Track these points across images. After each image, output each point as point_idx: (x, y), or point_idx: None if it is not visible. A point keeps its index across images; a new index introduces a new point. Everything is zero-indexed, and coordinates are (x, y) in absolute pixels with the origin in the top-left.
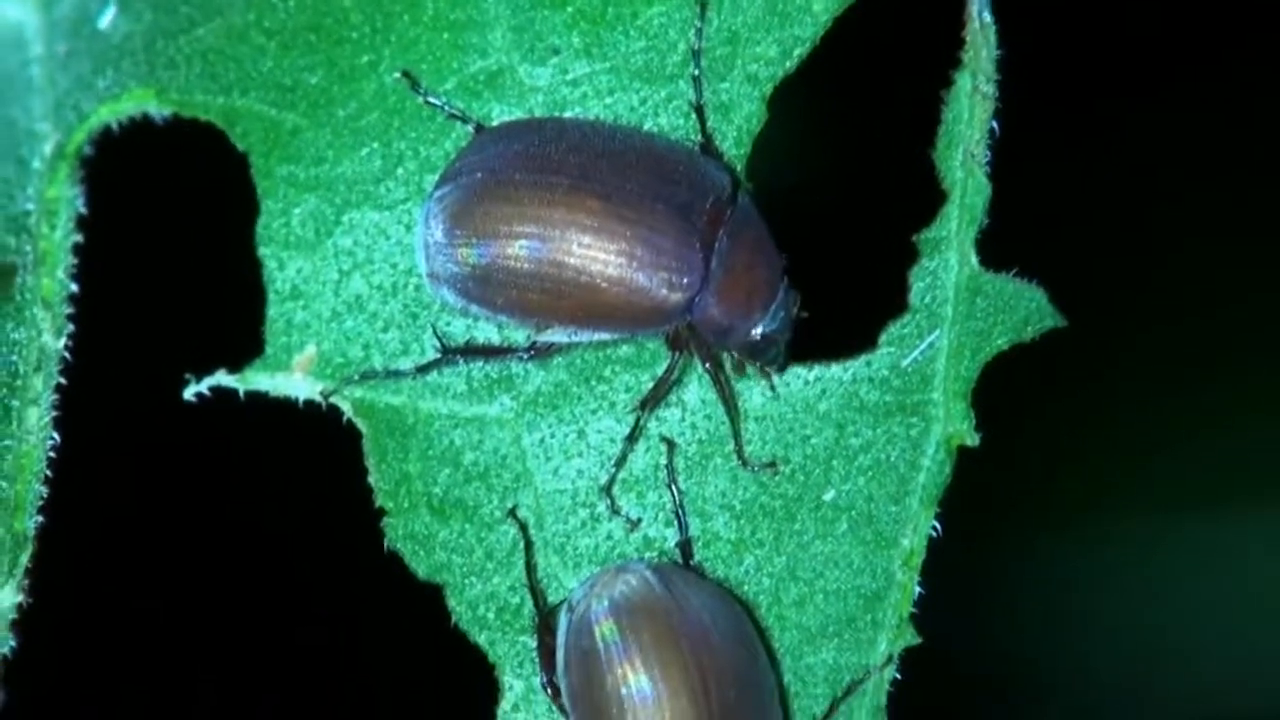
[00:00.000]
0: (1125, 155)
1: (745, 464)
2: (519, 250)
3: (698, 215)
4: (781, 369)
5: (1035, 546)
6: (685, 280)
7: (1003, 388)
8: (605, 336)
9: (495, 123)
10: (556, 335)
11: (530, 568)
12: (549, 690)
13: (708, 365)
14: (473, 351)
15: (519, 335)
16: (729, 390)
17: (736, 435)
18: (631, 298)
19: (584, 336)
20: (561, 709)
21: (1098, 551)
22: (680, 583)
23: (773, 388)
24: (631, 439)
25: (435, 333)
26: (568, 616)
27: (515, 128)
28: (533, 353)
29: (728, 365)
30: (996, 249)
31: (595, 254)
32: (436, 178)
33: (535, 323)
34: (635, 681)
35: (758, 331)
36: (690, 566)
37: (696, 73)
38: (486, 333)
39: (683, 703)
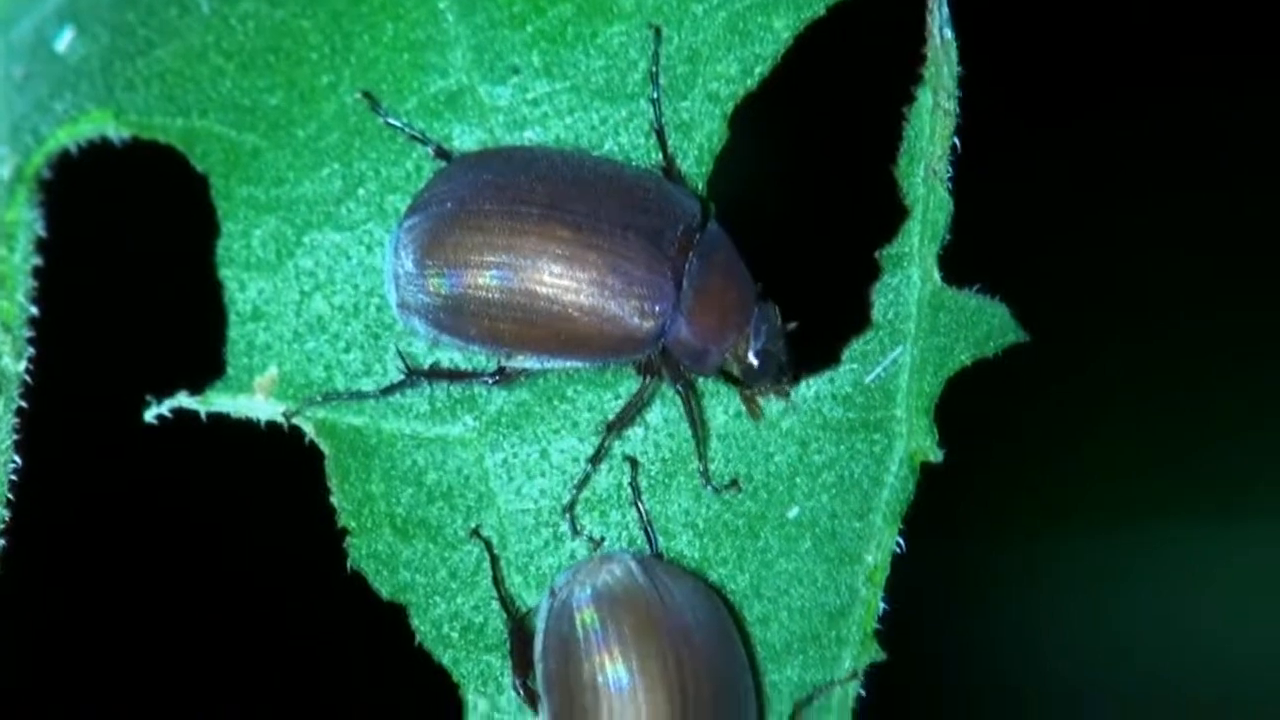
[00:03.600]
0: (1087, 169)
1: (709, 484)
2: (490, 280)
3: (668, 242)
4: (794, 380)
5: (999, 561)
6: (657, 308)
7: (965, 403)
8: (578, 364)
9: (455, 144)
10: (529, 363)
11: (498, 580)
12: (521, 692)
13: (679, 387)
14: (437, 375)
15: (484, 358)
16: (697, 412)
17: (702, 456)
18: (604, 326)
19: (556, 364)
20: (534, 710)
21: (1061, 565)
22: (664, 575)
23: (791, 404)
24: (595, 460)
25: (400, 355)
26: (549, 601)
27: (484, 157)
28: (498, 378)
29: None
30: (959, 264)
31: (567, 283)
32: (405, 208)
33: (507, 351)
34: (613, 671)
35: (750, 353)
36: (671, 561)
37: (656, 95)
38: (450, 354)
39: (658, 695)
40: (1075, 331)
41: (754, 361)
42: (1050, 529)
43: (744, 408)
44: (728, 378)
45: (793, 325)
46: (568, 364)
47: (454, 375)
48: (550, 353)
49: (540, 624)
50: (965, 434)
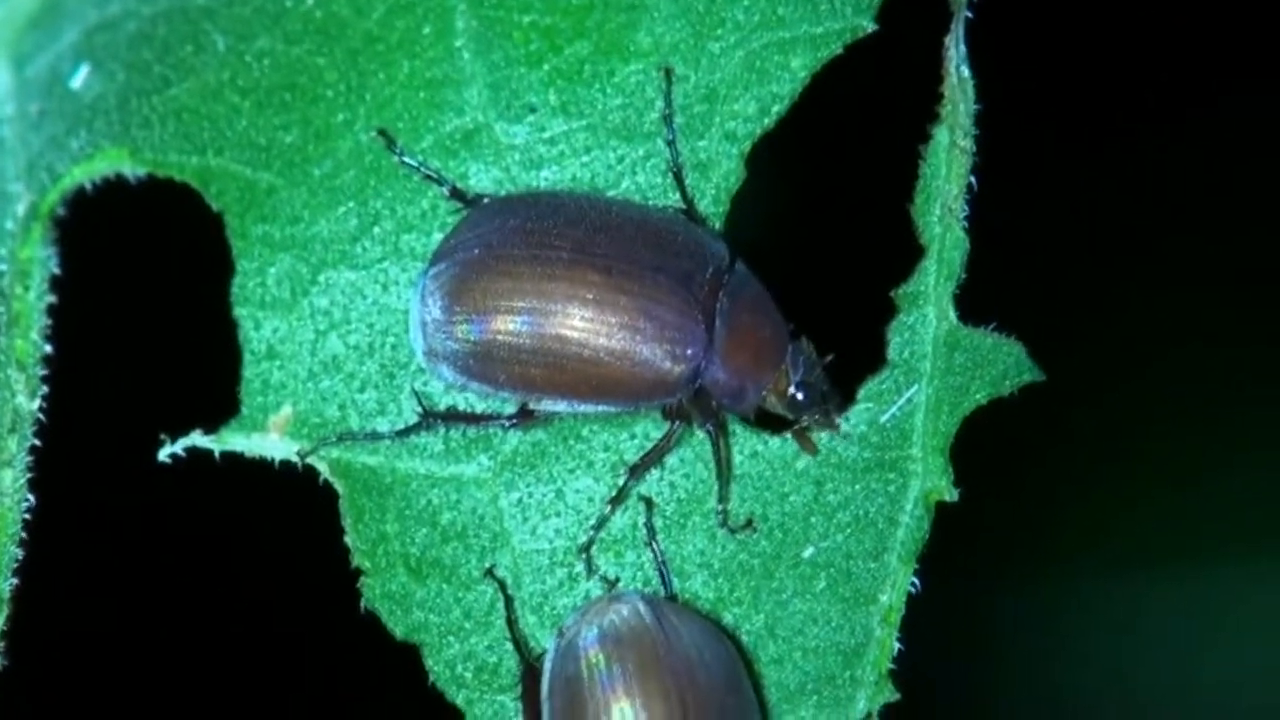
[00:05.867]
0: (1104, 208)
1: (726, 525)
2: (520, 325)
3: (698, 285)
4: (841, 409)
5: (1015, 601)
6: (688, 351)
7: (981, 442)
8: (609, 409)
9: (471, 182)
10: (559, 407)
11: (511, 622)
12: None
13: (709, 428)
14: (454, 418)
15: (501, 400)
16: (725, 454)
17: (724, 498)
18: (635, 370)
19: (587, 409)
20: None
21: (1078, 605)
22: (672, 616)
23: (844, 433)
24: (615, 503)
25: (416, 396)
26: (557, 641)
27: (510, 202)
28: (515, 421)
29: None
30: (975, 303)
31: (598, 327)
32: (431, 255)
33: (537, 396)
34: (617, 711)
35: (791, 387)
36: (683, 603)
37: (671, 137)
38: (466, 396)
39: None
40: (1092, 370)
41: (798, 395)
42: (1067, 569)
43: (798, 445)
44: (767, 418)
45: (829, 357)
46: (598, 408)
47: (470, 418)
48: (581, 397)
49: (547, 664)
50: (981, 473)
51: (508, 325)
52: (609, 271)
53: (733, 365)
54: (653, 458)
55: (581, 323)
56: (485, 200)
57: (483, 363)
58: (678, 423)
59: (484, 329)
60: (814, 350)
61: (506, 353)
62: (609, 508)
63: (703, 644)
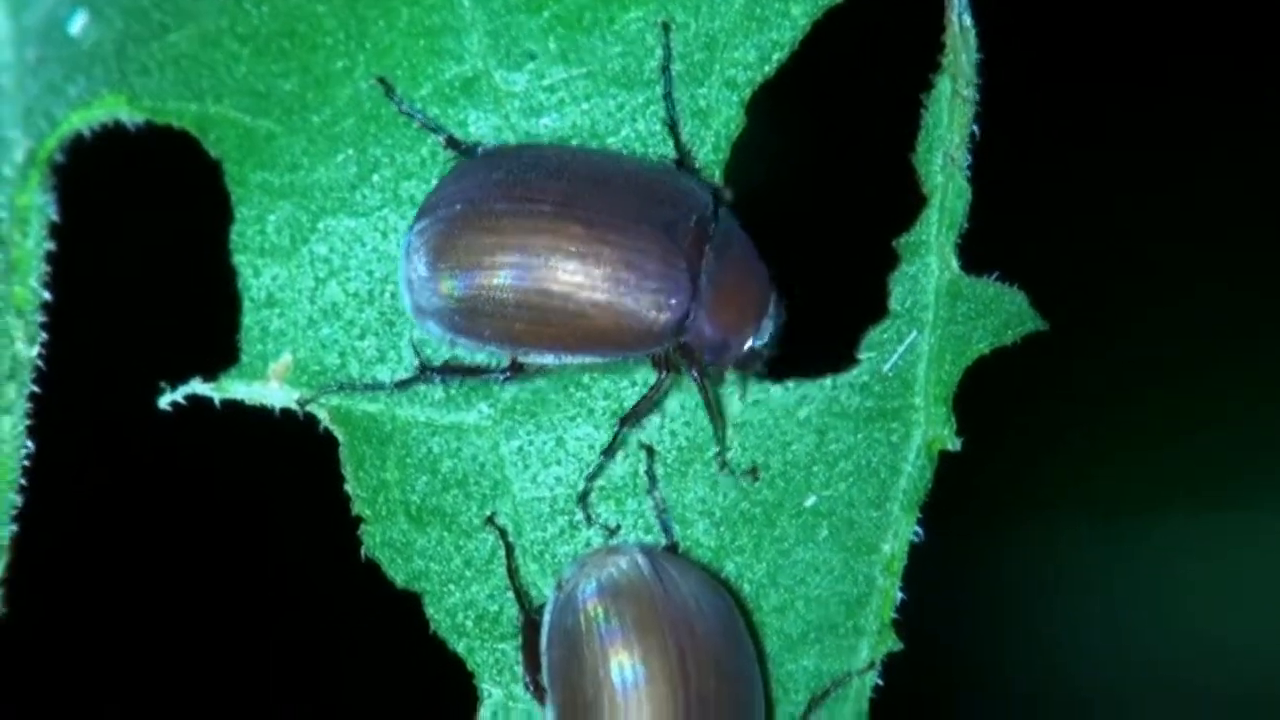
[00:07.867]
0: (1106, 158)
1: (726, 468)
2: (504, 280)
3: (682, 234)
4: (761, 376)
5: (1018, 550)
6: (673, 300)
7: (984, 391)
8: (596, 360)
9: (470, 130)
10: (546, 359)
11: (512, 571)
12: (531, 689)
13: (696, 376)
14: (451, 370)
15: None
16: (716, 400)
17: (721, 442)
18: (620, 321)
19: (573, 360)
20: (543, 709)
21: (1081, 554)
22: (670, 568)
23: (742, 396)
24: (611, 451)
25: (414, 347)
26: (556, 594)
27: (492, 156)
28: (509, 374)
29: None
30: (977, 252)
31: (581, 279)
32: (416, 211)
33: (524, 350)
34: (615, 663)
35: (748, 347)
36: (682, 555)
37: (668, 89)
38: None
39: (661, 688)
40: (1095, 318)
41: (747, 354)
42: (1071, 517)
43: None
44: (774, 366)
45: (783, 319)
46: (585, 359)
47: (468, 370)
48: (568, 349)
49: (546, 617)
50: (984, 422)
51: (492, 280)
52: (591, 223)
53: (719, 319)
54: (644, 407)
55: (565, 275)
56: (479, 149)
57: (468, 318)
58: (667, 372)
59: (468, 284)
60: (783, 313)
61: (491, 307)
62: (605, 458)
63: (701, 595)
